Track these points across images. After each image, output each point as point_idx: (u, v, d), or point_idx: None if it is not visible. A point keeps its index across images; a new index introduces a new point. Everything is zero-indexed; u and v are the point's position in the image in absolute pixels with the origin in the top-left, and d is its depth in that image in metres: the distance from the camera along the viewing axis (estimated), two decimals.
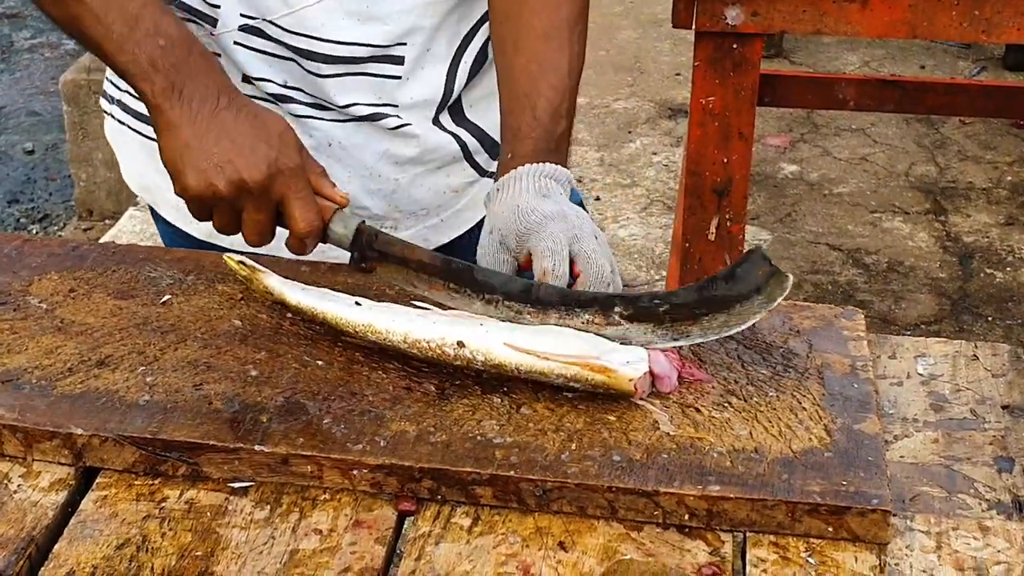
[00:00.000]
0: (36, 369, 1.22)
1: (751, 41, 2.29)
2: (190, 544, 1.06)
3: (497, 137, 1.50)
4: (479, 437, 1.15)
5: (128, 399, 1.18)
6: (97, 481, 1.14)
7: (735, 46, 2.28)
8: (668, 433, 1.16)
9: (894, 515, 1.09)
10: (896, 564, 1.06)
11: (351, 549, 1.07)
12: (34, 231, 4.06)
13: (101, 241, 3.65)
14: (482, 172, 1.58)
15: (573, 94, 1.40)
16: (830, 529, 1.08)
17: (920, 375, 1.29)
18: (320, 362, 1.24)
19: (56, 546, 1.06)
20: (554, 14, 1.40)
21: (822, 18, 2.24)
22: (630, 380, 1.18)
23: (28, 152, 4.56)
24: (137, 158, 1.55)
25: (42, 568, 1.04)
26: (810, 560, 1.06)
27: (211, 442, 1.13)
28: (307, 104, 1.48)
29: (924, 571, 1.05)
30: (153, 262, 1.39)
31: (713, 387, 1.22)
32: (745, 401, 1.20)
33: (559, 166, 1.34)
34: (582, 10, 1.43)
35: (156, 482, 1.13)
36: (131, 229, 3.63)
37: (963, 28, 2.26)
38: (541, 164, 1.33)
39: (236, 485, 1.13)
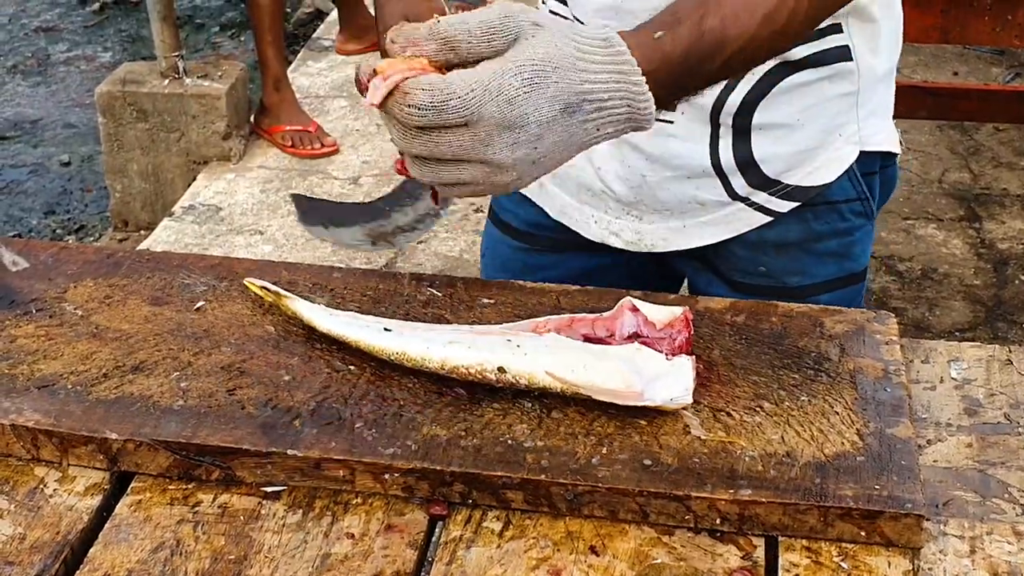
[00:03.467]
0: (71, 375, 1.23)
1: None
2: (223, 548, 1.07)
3: (767, 170, 1.41)
4: (510, 441, 1.15)
5: (162, 404, 1.19)
6: (132, 486, 1.15)
7: None
8: (699, 437, 1.16)
9: (927, 520, 1.09)
10: (929, 569, 1.06)
11: (383, 553, 1.07)
12: (70, 242, 4.11)
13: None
14: (736, 196, 1.44)
15: (744, 28, 1.10)
16: (863, 534, 1.08)
17: (953, 379, 1.28)
18: (352, 367, 1.25)
19: (91, 550, 1.07)
20: None
21: None
22: (674, 411, 1.17)
23: (64, 164, 4.61)
24: None
25: (77, 572, 1.05)
26: (843, 565, 1.06)
27: (244, 447, 1.14)
28: None
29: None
30: (187, 269, 1.40)
31: (744, 391, 1.22)
32: (777, 405, 1.20)
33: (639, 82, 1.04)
34: None
35: (190, 486, 1.14)
36: (166, 239, 3.66)
37: (996, 33, 2.25)
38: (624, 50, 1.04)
39: (269, 489, 1.14)
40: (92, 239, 4.11)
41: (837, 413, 1.19)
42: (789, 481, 1.10)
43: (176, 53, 3.96)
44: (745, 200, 1.45)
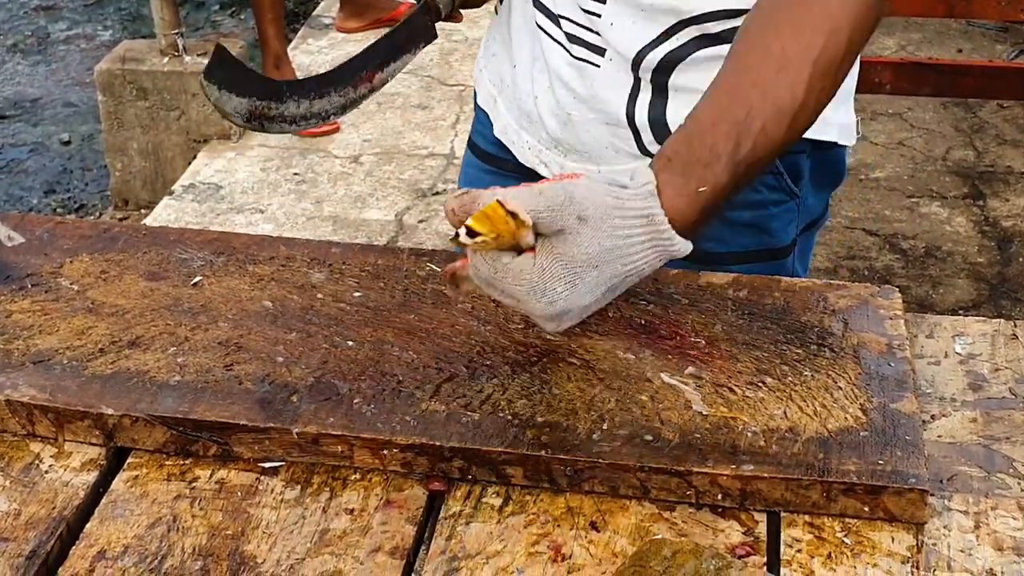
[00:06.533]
0: (67, 350, 1.22)
1: None
2: (221, 524, 1.06)
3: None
4: (510, 417, 1.14)
5: (159, 379, 1.18)
6: (128, 461, 1.14)
7: None
8: (701, 412, 1.15)
9: (932, 495, 1.08)
10: (934, 544, 1.05)
11: (382, 529, 1.06)
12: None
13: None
14: (646, 152, 1.46)
15: (773, 142, 1.13)
16: (866, 509, 1.07)
17: (958, 354, 1.27)
18: (350, 342, 1.24)
19: (87, 526, 1.06)
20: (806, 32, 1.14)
21: None
22: None
23: (64, 143, 4.59)
24: None
25: (73, 547, 1.04)
26: (846, 540, 1.05)
27: (242, 422, 1.13)
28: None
29: (962, 551, 1.04)
30: (184, 244, 1.39)
31: (746, 366, 1.21)
32: (779, 380, 1.19)
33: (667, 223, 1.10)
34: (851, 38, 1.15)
35: (187, 462, 1.13)
36: (166, 218, 3.65)
37: (1001, 7, 2.23)
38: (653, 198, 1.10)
39: (267, 465, 1.13)
40: (93, 218, 4.10)
41: (840, 388, 1.18)
42: (792, 456, 1.09)
43: (176, 31, 3.94)
44: (651, 156, 1.46)
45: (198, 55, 3.97)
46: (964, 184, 3.77)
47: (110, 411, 1.14)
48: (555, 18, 1.48)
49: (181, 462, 1.13)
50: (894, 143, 3.99)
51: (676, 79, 1.43)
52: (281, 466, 1.13)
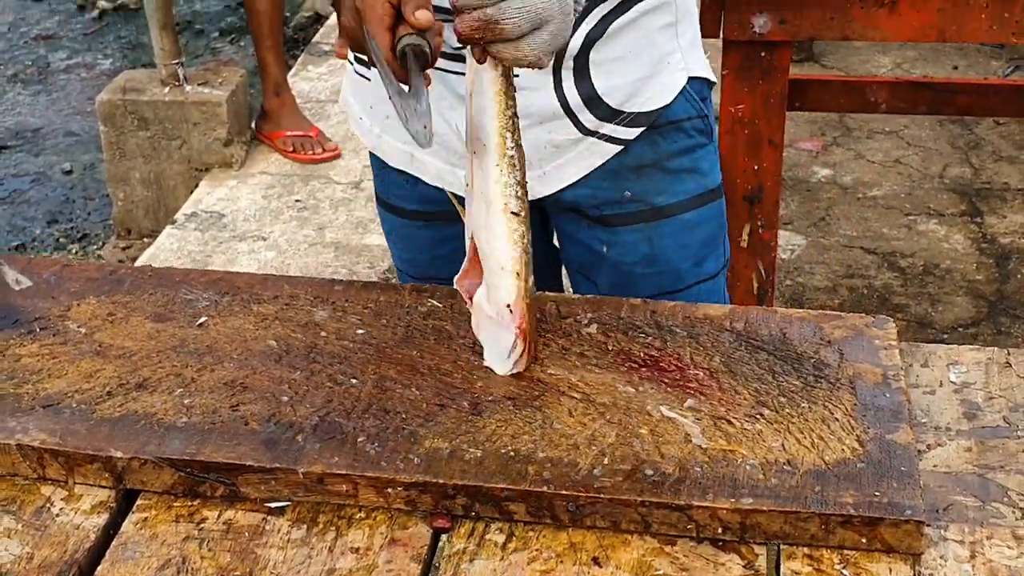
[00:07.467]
0: (76, 393, 1.24)
1: (779, 48, 2.29)
2: (229, 564, 1.08)
3: (610, 101, 1.51)
4: (512, 453, 1.16)
5: (166, 421, 1.20)
6: (137, 503, 1.16)
7: (763, 54, 2.28)
8: (700, 446, 1.16)
9: (928, 525, 1.10)
10: (930, 574, 1.06)
11: (387, 567, 1.08)
12: (73, 251, 4.11)
13: (139, 260, 3.70)
14: (586, 131, 1.54)
15: None
16: (864, 540, 1.08)
17: (952, 383, 1.29)
18: (354, 380, 1.26)
19: (98, 568, 1.08)
20: None
21: (850, 24, 2.24)
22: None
23: (66, 172, 4.62)
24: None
25: None
26: (844, 572, 1.06)
27: (248, 463, 1.15)
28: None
29: None
30: (189, 284, 1.41)
31: (745, 398, 1.23)
32: (777, 412, 1.21)
33: None
34: None
35: (195, 503, 1.15)
36: (169, 247, 3.67)
37: (993, 30, 2.25)
38: None
39: (273, 505, 1.14)
40: (95, 247, 4.12)
41: (837, 419, 1.20)
42: (790, 489, 1.11)
43: (176, 60, 3.96)
44: (595, 134, 1.54)
45: (198, 84, 4.00)
46: (961, 201, 3.79)
47: (119, 454, 1.16)
48: (452, 55, 1.49)
49: (189, 503, 1.15)
50: (891, 161, 4.01)
51: (595, 55, 1.51)
52: (287, 506, 1.14)
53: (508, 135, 1.26)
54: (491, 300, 1.27)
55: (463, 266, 1.31)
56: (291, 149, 4.10)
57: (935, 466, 1.18)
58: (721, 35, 2.28)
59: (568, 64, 1.51)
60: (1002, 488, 1.15)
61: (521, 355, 1.26)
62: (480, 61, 1.26)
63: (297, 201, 3.93)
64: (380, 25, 1.24)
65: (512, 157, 1.26)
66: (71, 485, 1.17)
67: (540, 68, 1.26)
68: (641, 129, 1.54)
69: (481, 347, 1.29)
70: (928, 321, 3.26)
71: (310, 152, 4.10)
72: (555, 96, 1.52)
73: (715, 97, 1.72)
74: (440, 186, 1.61)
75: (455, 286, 1.32)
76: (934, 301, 3.34)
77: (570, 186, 1.57)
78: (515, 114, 1.27)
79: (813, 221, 3.71)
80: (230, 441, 1.17)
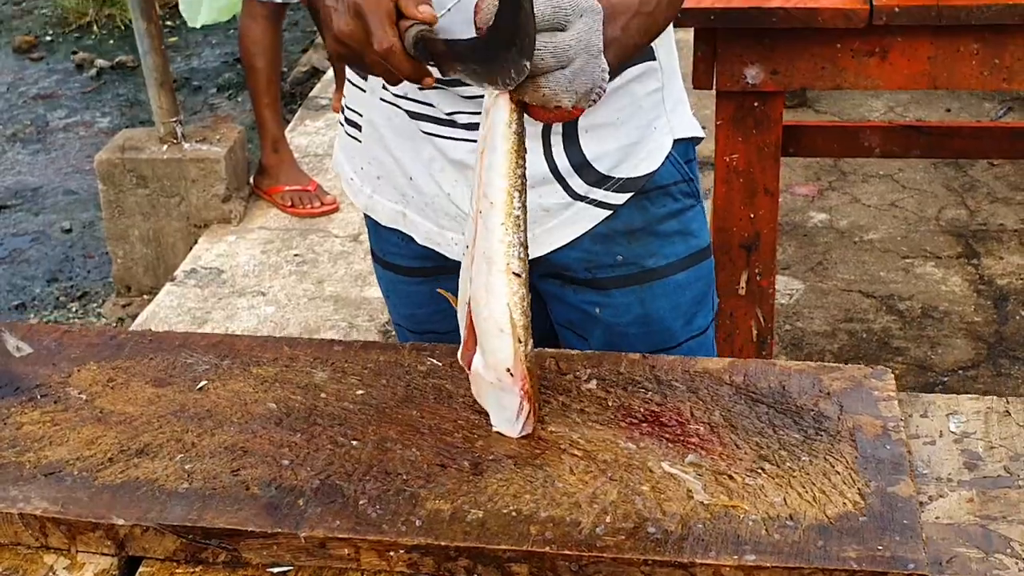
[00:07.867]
0: (77, 461, 1.24)
1: (772, 99, 2.31)
2: None
3: (599, 167, 1.53)
4: (514, 513, 1.16)
5: (168, 487, 1.20)
6: (140, 570, 1.15)
7: (756, 104, 2.30)
8: (702, 502, 1.16)
9: None
10: None
11: None
12: (73, 309, 4.12)
13: (139, 317, 3.70)
14: (576, 196, 1.56)
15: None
16: None
17: (952, 433, 1.29)
18: (355, 442, 1.26)
19: None
20: None
21: (842, 74, 2.26)
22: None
23: (66, 231, 4.63)
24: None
25: None
26: None
27: (250, 528, 1.15)
28: (417, 102, 1.52)
29: None
30: (189, 348, 1.42)
31: (746, 453, 1.23)
32: (778, 466, 1.21)
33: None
34: None
35: (197, 569, 1.15)
36: (169, 304, 3.68)
37: (984, 77, 2.27)
38: None
39: (275, 570, 1.14)
40: (96, 305, 4.13)
41: (838, 473, 1.20)
42: (792, 545, 1.11)
43: (174, 119, 3.99)
44: (585, 199, 1.56)
45: (197, 141, 4.03)
46: (958, 243, 3.81)
47: (121, 521, 1.16)
48: (445, 120, 1.51)
49: (192, 570, 1.15)
50: (886, 204, 4.03)
51: (583, 121, 1.52)
52: (289, 570, 1.14)
53: (516, 194, 1.27)
54: (489, 365, 1.26)
55: (462, 336, 1.30)
56: (289, 204, 4.12)
57: (937, 518, 1.18)
58: (714, 86, 2.30)
59: (557, 129, 1.52)
60: (1004, 539, 1.15)
61: (528, 416, 1.26)
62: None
63: (296, 255, 3.94)
64: (386, 21, 1.25)
65: (518, 217, 1.27)
66: (74, 553, 1.17)
67: (563, 108, 1.25)
68: (630, 194, 1.56)
69: (482, 407, 1.29)
70: (928, 364, 3.26)
71: (308, 206, 4.12)
72: (545, 162, 1.53)
73: (709, 146, 1.75)
74: (429, 246, 1.63)
75: (459, 360, 1.32)
76: (933, 344, 3.35)
77: (560, 249, 1.58)
78: (524, 174, 1.28)
79: (811, 266, 3.72)
80: (232, 506, 1.17)
